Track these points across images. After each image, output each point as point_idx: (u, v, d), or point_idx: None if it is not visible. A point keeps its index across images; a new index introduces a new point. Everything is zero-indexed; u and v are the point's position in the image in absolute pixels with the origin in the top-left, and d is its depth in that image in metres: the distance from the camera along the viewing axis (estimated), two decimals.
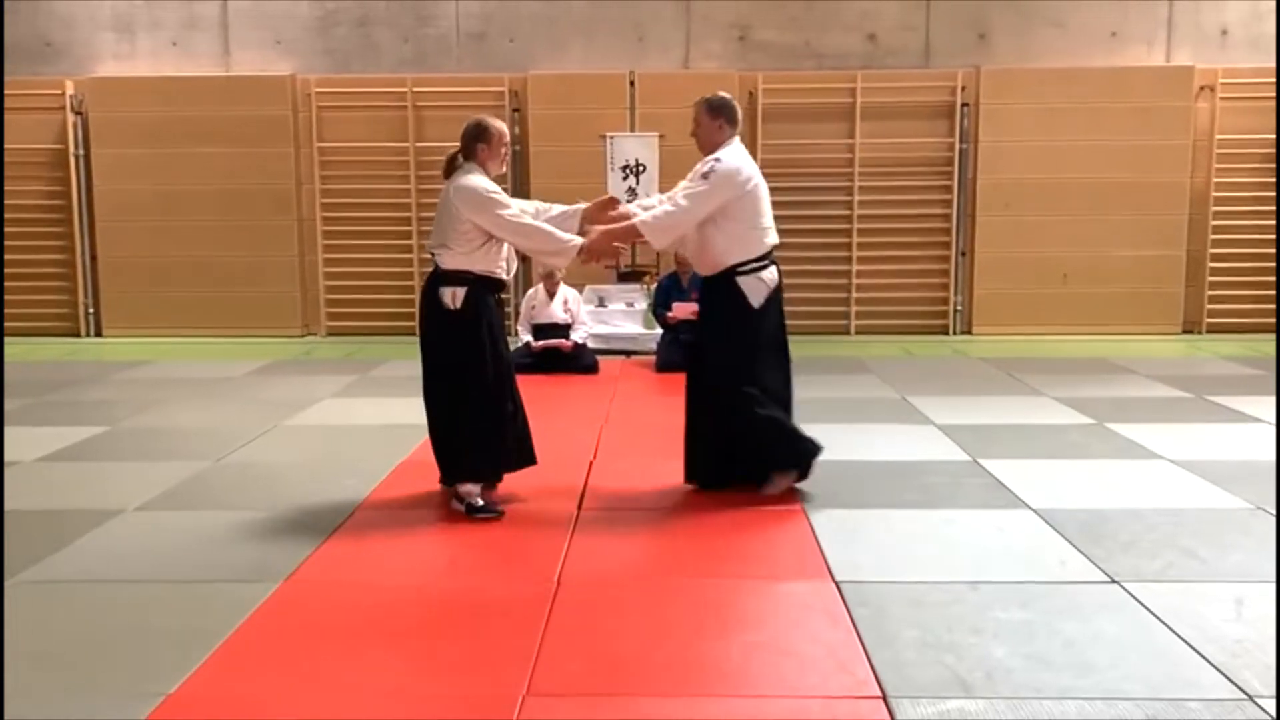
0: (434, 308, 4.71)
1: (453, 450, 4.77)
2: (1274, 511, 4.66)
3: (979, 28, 11.00)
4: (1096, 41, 10.96)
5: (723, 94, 5.09)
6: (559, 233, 4.74)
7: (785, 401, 5.00)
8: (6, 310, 10.90)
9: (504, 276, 4.84)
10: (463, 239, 4.64)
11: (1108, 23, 10.94)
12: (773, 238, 4.95)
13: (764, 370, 4.88)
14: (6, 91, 10.88)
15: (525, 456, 5.00)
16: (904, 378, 8.34)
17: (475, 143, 4.76)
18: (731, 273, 4.83)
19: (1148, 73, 10.84)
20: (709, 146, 4.95)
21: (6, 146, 10.91)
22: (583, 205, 4.94)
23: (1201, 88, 10.84)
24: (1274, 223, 10.83)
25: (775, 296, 4.93)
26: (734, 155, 4.88)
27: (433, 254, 4.78)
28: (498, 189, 4.71)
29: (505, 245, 4.78)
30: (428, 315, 4.76)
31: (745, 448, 4.91)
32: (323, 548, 4.26)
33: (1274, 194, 10.86)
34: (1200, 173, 10.95)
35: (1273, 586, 3.75)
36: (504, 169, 4.91)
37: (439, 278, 4.71)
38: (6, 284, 11.01)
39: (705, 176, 4.78)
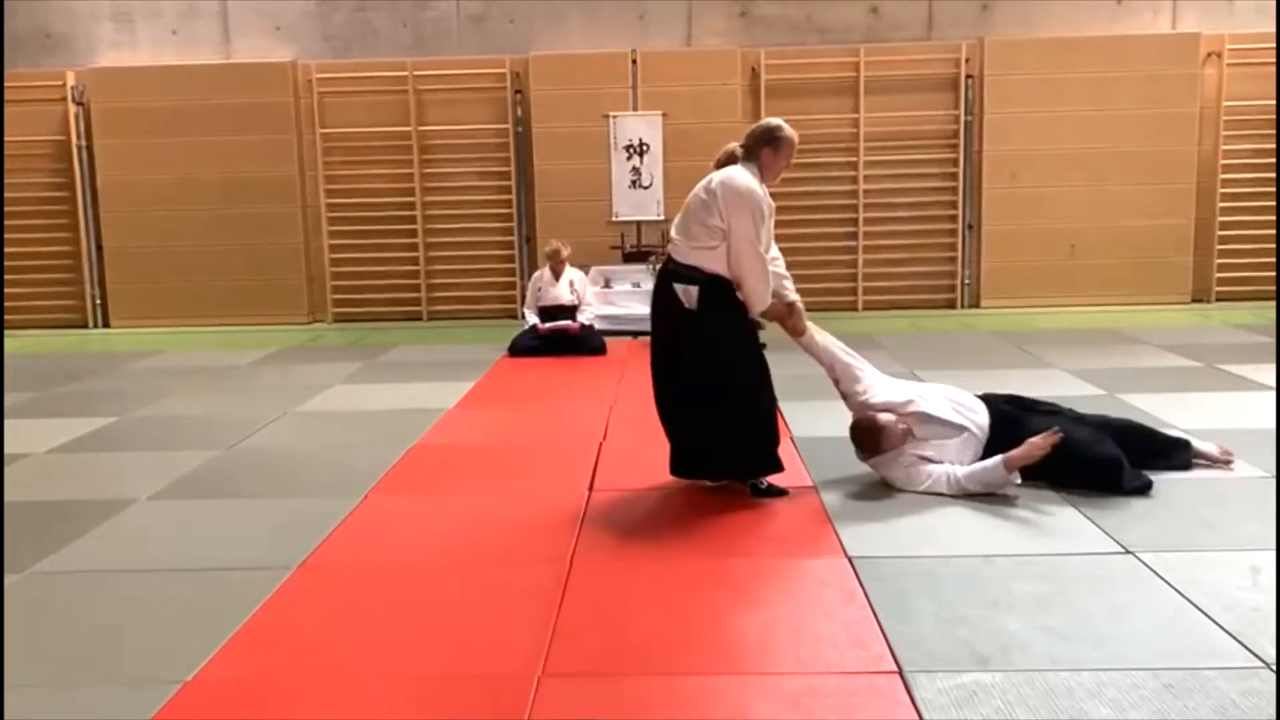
0: (666, 305, 4.51)
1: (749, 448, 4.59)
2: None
3: None
4: (1101, 9, 10.87)
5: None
6: (787, 284, 4.59)
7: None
8: (13, 304, 10.92)
9: None
10: (699, 233, 4.41)
11: None
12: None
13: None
14: (7, 84, 10.86)
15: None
16: (913, 352, 8.31)
17: (763, 145, 4.50)
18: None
19: (1153, 40, 10.75)
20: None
21: (8, 139, 10.90)
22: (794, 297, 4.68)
23: (1208, 54, 10.75)
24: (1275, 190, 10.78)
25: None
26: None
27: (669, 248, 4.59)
28: (766, 201, 4.43)
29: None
30: (668, 312, 4.52)
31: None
32: (335, 533, 4.27)
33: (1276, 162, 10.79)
34: (1208, 140, 10.87)
35: None
36: (778, 180, 4.64)
37: (672, 275, 4.49)
38: (12, 277, 11.02)
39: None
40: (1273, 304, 10.52)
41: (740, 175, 4.42)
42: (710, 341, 4.46)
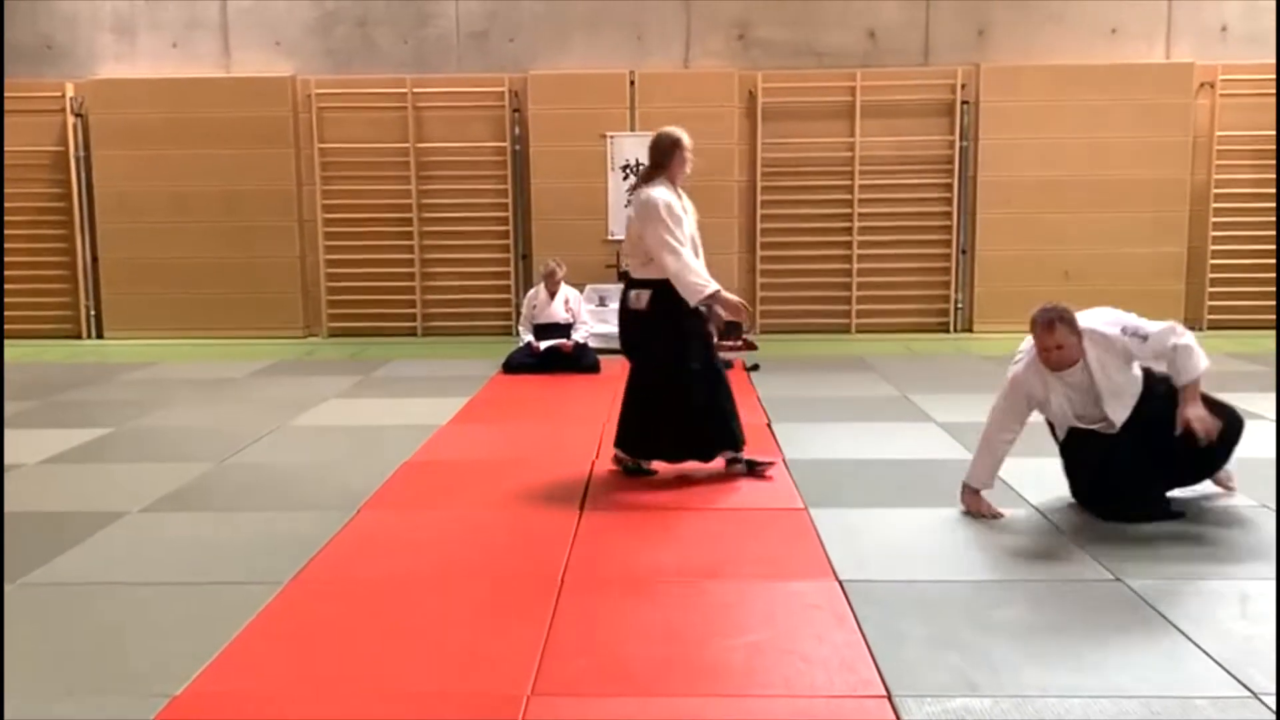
0: (626, 310, 5.18)
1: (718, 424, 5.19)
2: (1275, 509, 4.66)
3: (978, 24, 11.00)
4: (1096, 38, 10.96)
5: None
6: (698, 271, 4.98)
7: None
8: (7, 314, 10.91)
9: None
10: (637, 249, 5.11)
11: (1108, 19, 10.94)
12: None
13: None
14: (7, 94, 10.88)
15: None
16: (905, 375, 8.34)
17: (671, 151, 5.13)
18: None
19: (1148, 69, 10.84)
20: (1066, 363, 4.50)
21: (7, 149, 10.92)
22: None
23: (1202, 84, 10.84)
24: (1274, 219, 10.84)
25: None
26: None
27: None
28: (674, 205, 5.04)
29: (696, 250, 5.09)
30: (630, 316, 5.17)
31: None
32: (327, 548, 4.26)
33: (1274, 191, 10.86)
34: (1201, 169, 10.94)
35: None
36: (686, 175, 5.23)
37: (629, 282, 5.18)
38: (8, 287, 11.01)
39: None
40: (1264, 333, 10.58)
41: (645, 193, 5.06)
42: (656, 335, 5.07)
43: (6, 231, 11.08)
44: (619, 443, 5.42)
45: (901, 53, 11.02)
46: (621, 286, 5.43)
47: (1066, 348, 4.44)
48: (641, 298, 5.08)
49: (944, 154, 10.98)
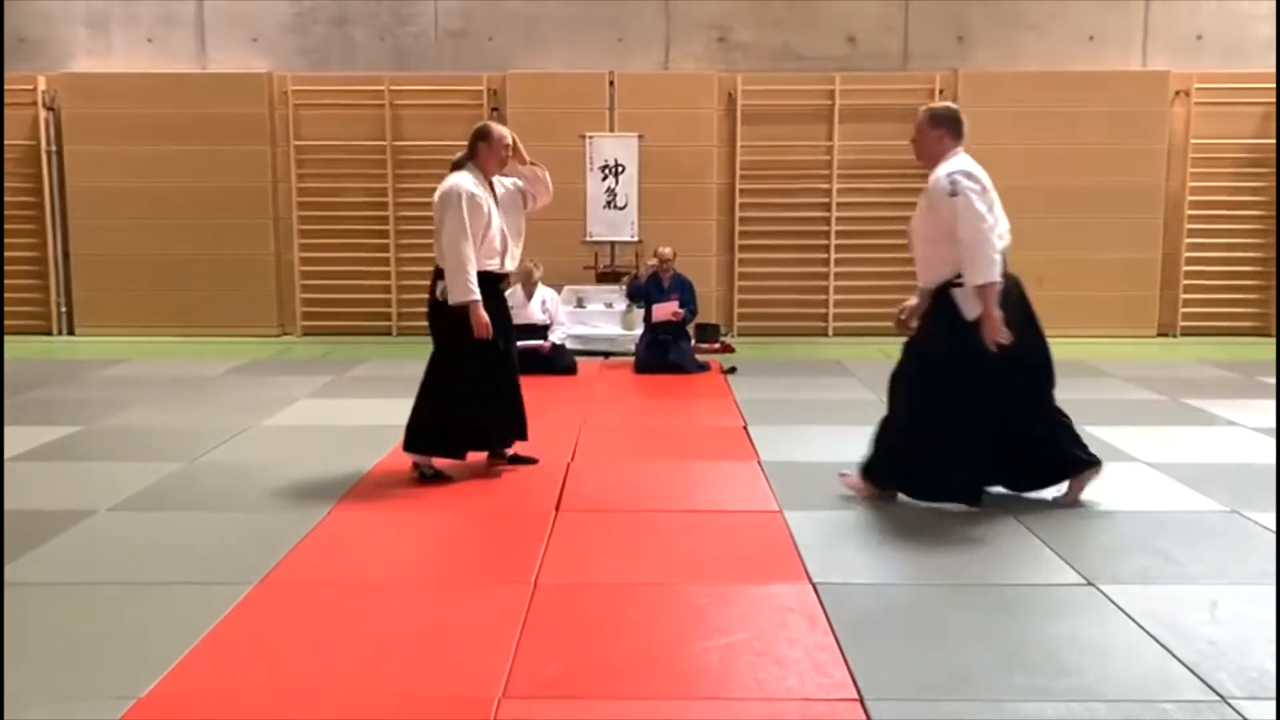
0: (431, 299, 5.19)
1: (425, 423, 5.22)
2: (1250, 515, 4.69)
3: (958, 30, 11.05)
4: (1074, 45, 11.04)
5: (949, 104, 4.99)
6: (471, 274, 5.00)
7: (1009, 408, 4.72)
8: None
9: (496, 269, 5.16)
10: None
11: (1085, 27, 11.02)
12: (1005, 241, 4.73)
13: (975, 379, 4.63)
14: None
15: (519, 432, 5.45)
16: (882, 380, 8.29)
17: (478, 141, 5.14)
18: (947, 286, 4.68)
19: (1124, 77, 10.93)
20: (930, 157, 4.76)
21: None
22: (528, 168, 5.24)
23: (1176, 92, 10.93)
24: (1251, 227, 10.97)
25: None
26: (964, 165, 4.70)
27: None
28: (475, 194, 5.04)
29: (498, 238, 5.14)
30: (430, 305, 5.22)
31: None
32: (297, 549, 4.23)
33: (1249, 198, 10.97)
34: (1175, 177, 11.04)
35: (1246, 588, 3.78)
36: (501, 171, 5.23)
37: (436, 271, 5.15)
38: None
39: (952, 194, 4.57)
40: (1238, 339, 10.68)
41: (445, 183, 5.09)
42: (443, 325, 5.17)
43: None
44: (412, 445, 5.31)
45: (881, 57, 11.06)
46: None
47: (917, 142, 4.77)
48: (443, 287, 5.12)
49: None
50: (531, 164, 5.26)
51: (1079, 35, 11.02)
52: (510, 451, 5.53)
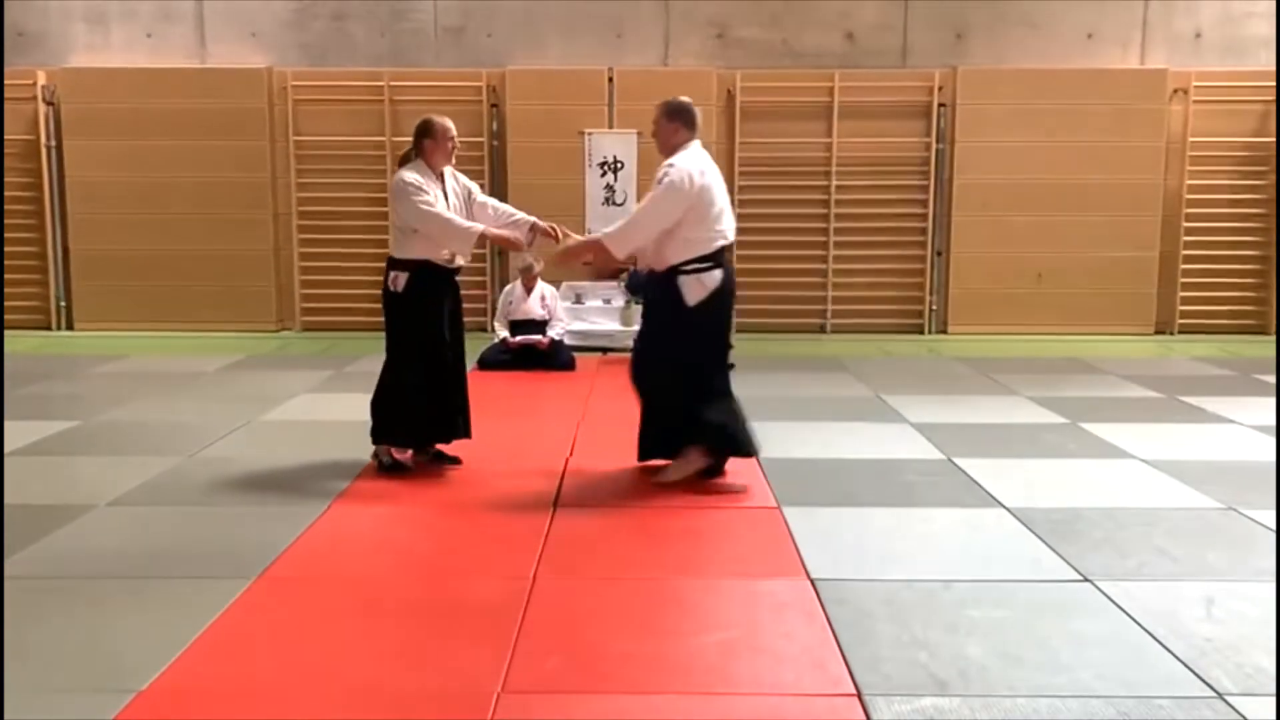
0: (384, 289, 5.25)
1: (379, 413, 5.33)
2: (1247, 512, 4.70)
3: (956, 28, 11.04)
4: (1073, 43, 11.03)
5: (683, 98, 5.23)
6: (458, 220, 5.10)
7: (717, 393, 5.14)
8: None
9: (445, 264, 5.22)
10: (396, 229, 5.23)
11: (1084, 24, 11.01)
12: (723, 239, 5.08)
13: (694, 361, 5.06)
14: None
15: (454, 431, 5.40)
16: (879, 376, 8.37)
17: (422, 138, 5.16)
18: (674, 271, 4.97)
19: (1122, 75, 10.93)
20: (666, 149, 5.09)
21: None
22: (533, 218, 5.33)
23: (1175, 90, 10.93)
24: (1249, 225, 10.98)
25: (715, 299, 5.04)
26: (687, 160, 4.97)
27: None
28: (421, 181, 5.09)
29: None
30: (383, 295, 5.28)
31: (664, 425, 5.15)
32: (296, 544, 4.23)
33: (1247, 196, 10.98)
34: (1173, 175, 11.04)
35: (1243, 585, 3.79)
36: (451, 163, 5.30)
37: (389, 263, 5.25)
38: None
39: (660, 182, 4.93)
40: (1235, 337, 10.70)
41: (396, 177, 5.14)
42: (393, 315, 5.25)
43: None
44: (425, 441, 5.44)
45: (879, 54, 11.06)
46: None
47: (656, 134, 5.15)
48: (399, 280, 5.17)
49: (920, 156, 11.02)
50: (561, 234, 5.33)
51: (1078, 33, 11.02)
52: (440, 448, 5.49)
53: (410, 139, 5.30)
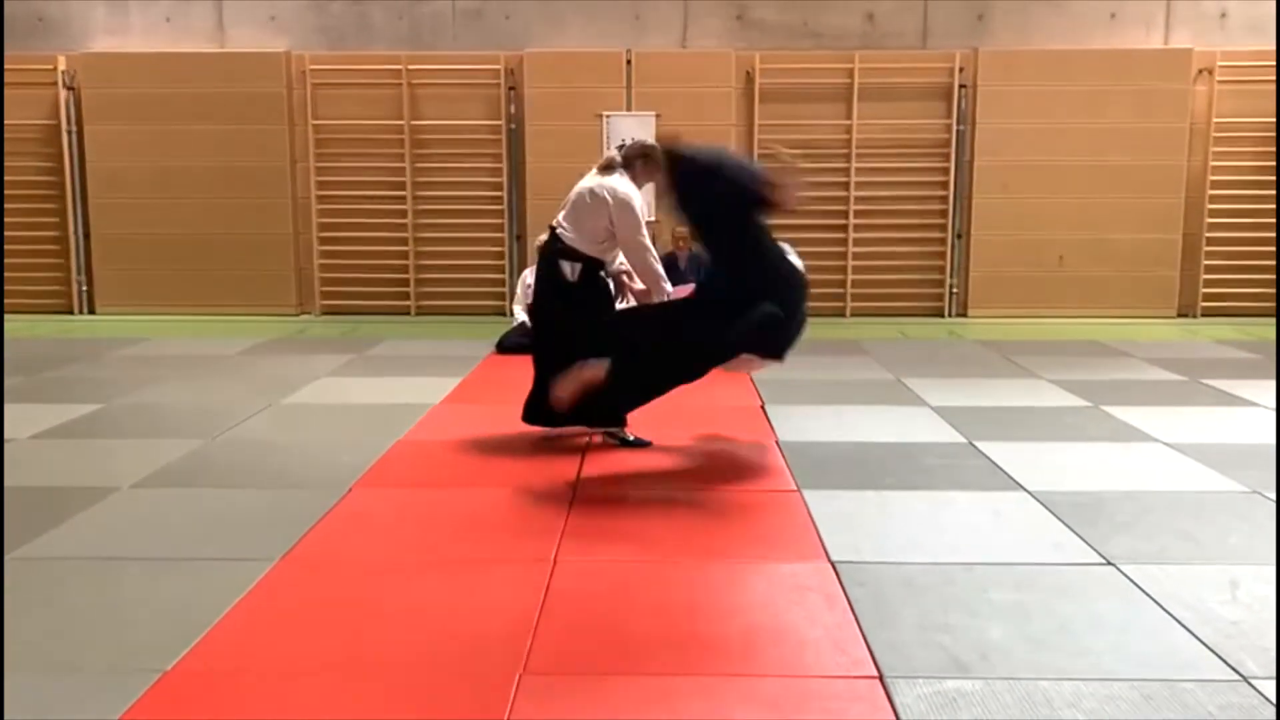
0: (548, 277, 5.49)
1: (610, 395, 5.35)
2: (1271, 495, 4.67)
3: (977, 9, 10.95)
4: (1095, 23, 10.92)
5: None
6: (658, 265, 5.48)
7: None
8: None
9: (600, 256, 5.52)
10: (591, 227, 5.36)
11: (1107, 4, 10.90)
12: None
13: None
14: None
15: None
16: (899, 360, 8.34)
17: (638, 159, 5.47)
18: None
19: (1146, 55, 10.81)
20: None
21: None
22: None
23: (1200, 70, 10.81)
24: (1272, 207, 10.85)
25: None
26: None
27: (556, 229, 5.47)
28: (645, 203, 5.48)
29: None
30: (546, 283, 5.52)
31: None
32: (318, 526, 4.26)
33: (1272, 178, 10.86)
34: (1197, 156, 10.93)
35: (1267, 569, 3.77)
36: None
37: (559, 251, 5.43)
38: None
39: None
40: (1257, 320, 10.60)
41: (623, 185, 5.38)
42: (579, 304, 5.41)
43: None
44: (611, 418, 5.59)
45: (900, 35, 10.98)
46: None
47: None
48: (576, 269, 5.40)
49: (941, 138, 10.95)
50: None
51: (1100, 13, 10.90)
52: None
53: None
